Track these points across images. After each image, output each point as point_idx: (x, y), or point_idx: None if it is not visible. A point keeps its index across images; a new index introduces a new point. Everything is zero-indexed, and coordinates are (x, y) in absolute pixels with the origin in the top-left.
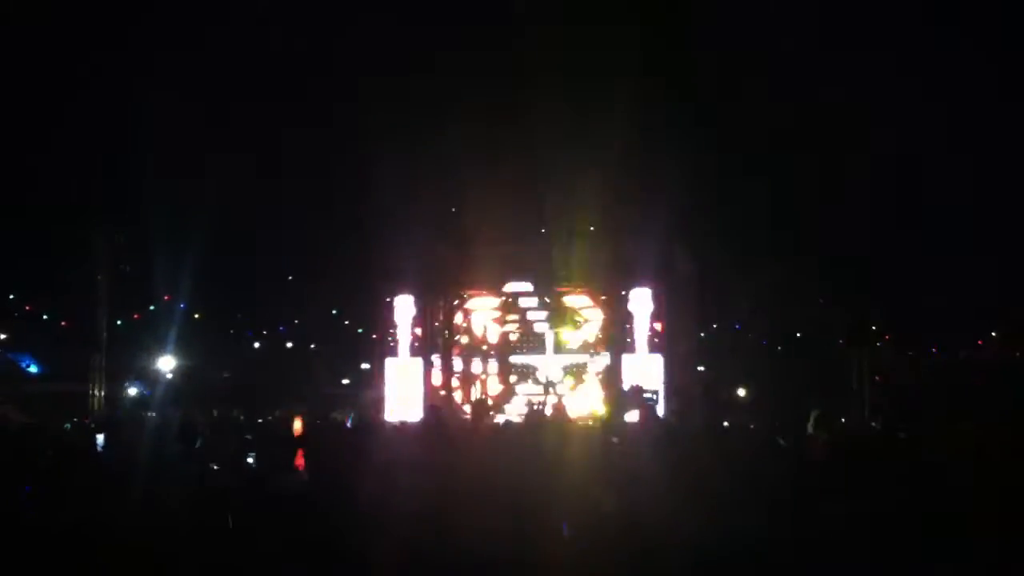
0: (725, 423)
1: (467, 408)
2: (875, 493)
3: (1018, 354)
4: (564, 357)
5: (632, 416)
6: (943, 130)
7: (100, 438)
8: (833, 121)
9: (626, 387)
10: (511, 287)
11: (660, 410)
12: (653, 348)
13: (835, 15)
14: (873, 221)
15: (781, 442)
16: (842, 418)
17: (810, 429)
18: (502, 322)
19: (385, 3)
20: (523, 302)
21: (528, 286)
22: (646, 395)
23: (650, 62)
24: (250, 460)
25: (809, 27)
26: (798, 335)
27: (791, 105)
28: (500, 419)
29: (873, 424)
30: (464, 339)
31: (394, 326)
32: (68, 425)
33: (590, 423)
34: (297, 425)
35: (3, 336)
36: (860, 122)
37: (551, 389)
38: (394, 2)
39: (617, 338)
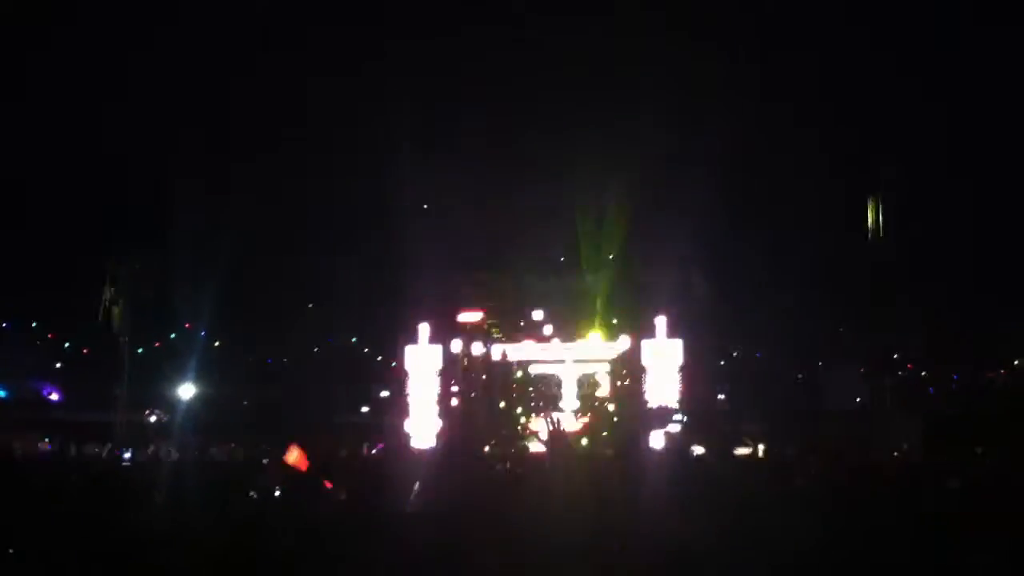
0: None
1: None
2: None
3: None
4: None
5: (654, 440)
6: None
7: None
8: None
9: (652, 407)
10: (531, 316)
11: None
12: (673, 373)
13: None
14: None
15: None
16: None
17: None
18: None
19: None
20: (543, 330)
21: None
22: (675, 418)
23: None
24: None
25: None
26: (819, 363)
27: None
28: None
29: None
30: (480, 367)
31: (413, 354)
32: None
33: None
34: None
35: (26, 364)
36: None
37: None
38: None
39: (637, 361)
